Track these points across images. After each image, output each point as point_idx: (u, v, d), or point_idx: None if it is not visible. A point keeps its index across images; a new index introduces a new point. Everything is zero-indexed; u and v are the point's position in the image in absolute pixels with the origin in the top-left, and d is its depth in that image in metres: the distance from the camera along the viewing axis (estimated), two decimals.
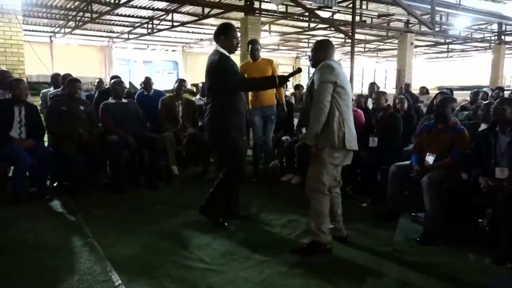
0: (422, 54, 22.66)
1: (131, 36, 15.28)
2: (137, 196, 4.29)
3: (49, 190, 4.25)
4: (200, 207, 3.44)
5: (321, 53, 2.93)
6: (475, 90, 6.90)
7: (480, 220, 3.42)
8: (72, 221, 3.58)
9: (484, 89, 7.93)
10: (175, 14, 12.20)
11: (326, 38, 3.85)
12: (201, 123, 5.24)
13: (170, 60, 21.24)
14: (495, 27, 15.37)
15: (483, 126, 4.37)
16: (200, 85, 6.12)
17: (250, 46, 4.60)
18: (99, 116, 4.58)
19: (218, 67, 3.14)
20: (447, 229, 3.28)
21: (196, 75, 18.74)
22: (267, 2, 10.35)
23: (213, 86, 3.22)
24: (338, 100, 2.80)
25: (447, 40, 17.07)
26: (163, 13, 12.10)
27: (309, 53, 3.05)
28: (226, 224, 3.40)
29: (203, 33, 15.72)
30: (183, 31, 15.11)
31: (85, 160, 4.20)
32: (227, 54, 3.24)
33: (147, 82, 5.71)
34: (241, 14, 10.34)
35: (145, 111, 4.93)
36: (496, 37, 16.03)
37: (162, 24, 13.33)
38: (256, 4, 10.28)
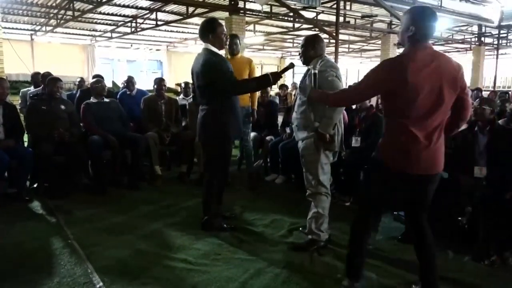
0: None
1: (114, 34, 15.07)
2: (119, 197, 4.23)
3: (28, 192, 4.16)
4: (201, 224, 3.34)
5: (311, 49, 2.94)
6: None
7: (459, 218, 3.49)
8: (52, 222, 3.52)
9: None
10: (159, 13, 12.09)
11: (316, 33, 3.78)
12: (185, 122, 5.20)
13: (155, 60, 21.05)
14: (475, 28, 15.71)
15: (462, 126, 4.47)
16: (183, 85, 6.07)
17: (228, 41, 4.37)
18: (81, 116, 4.50)
19: (212, 68, 3.03)
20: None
21: (180, 74, 18.61)
22: (251, 1, 10.35)
23: (207, 87, 3.10)
24: None
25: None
26: (147, 11, 11.98)
27: (299, 50, 3.05)
28: (232, 226, 3.39)
29: (188, 32, 15.63)
30: (167, 30, 15.00)
31: (65, 160, 4.13)
32: (218, 52, 3.19)
33: (130, 81, 5.65)
34: (225, 14, 10.31)
35: (127, 111, 4.88)
36: (476, 39, 16.37)
37: (146, 23, 13.19)
38: (241, 4, 10.26)
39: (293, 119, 3.12)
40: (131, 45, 18.39)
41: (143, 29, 13.59)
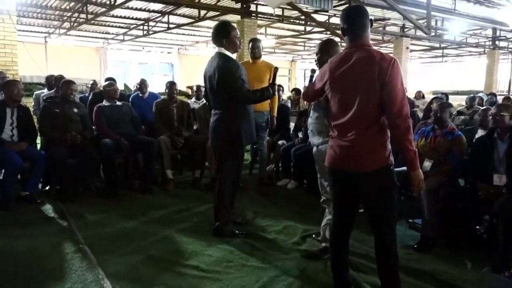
0: (417, 59, 22.77)
1: (126, 37, 15.20)
2: (131, 201, 4.22)
3: (40, 194, 4.17)
4: (213, 230, 3.30)
5: (326, 54, 2.89)
6: (471, 95, 6.90)
7: (477, 227, 3.41)
8: (64, 226, 3.51)
9: (479, 94, 7.95)
10: (171, 16, 12.15)
11: (330, 38, 3.69)
12: (196, 126, 5.18)
13: (166, 62, 21.16)
14: (489, 32, 15.49)
15: (480, 132, 4.37)
16: (195, 88, 6.06)
17: (251, 44, 4.40)
18: (93, 119, 4.50)
19: (225, 73, 3.00)
20: (445, 236, 3.25)
21: (191, 77, 18.67)
22: (263, 5, 10.33)
23: (221, 92, 3.08)
24: None
25: (442, 45, 17.16)
26: (159, 15, 12.05)
27: (315, 56, 3.00)
28: (244, 233, 3.33)
29: (199, 35, 15.69)
30: (179, 33, 15.05)
31: (78, 163, 4.13)
32: (232, 56, 3.15)
33: (142, 84, 5.62)
34: (237, 17, 10.31)
35: (139, 114, 4.88)
36: (490, 42, 16.14)
37: (158, 26, 13.28)
38: (253, 7, 10.26)
39: (308, 124, 3.07)
40: (143, 48, 18.53)
41: (155, 32, 13.68)
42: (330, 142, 2.27)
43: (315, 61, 3.02)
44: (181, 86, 15.22)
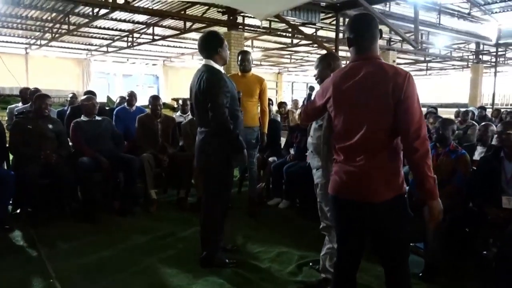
0: None
1: (110, 49, 14.86)
2: (110, 225, 3.87)
3: (10, 219, 3.79)
4: (200, 260, 3.00)
5: (327, 68, 2.66)
6: (464, 109, 6.78)
7: (484, 252, 3.18)
8: (33, 256, 3.15)
9: (470, 108, 7.87)
10: (156, 28, 11.91)
11: (330, 51, 3.46)
12: (182, 143, 4.87)
13: (151, 74, 20.84)
14: (473, 46, 15.69)
15: (479, 149, 4.20)
16: (181, 102, 5.77)
17: (240, 57, 4.14)
18: (70, 135, 4.17)
19: (210, 87, 2.75)
20: (450, 262, 3.02)
21: (177, 89, 18.37)
22: (250, 17, 10.17)
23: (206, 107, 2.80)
24: None
25: (427, 58, 17.30)
26: (144, 26, 11.80)
27: (315, 70, 2.76)
28: (234, 262, 3.04)
29: (185, 47, 15.46)
30: (164, 45, 14.80)
31: (52, 184, 3.79)
32: (221, 69, 2.89)
33: (132, 96, 5.28)
34: (223, 29, 10.12)
35: (123, 128, 4.55)
36: (474, 56, 16.33)
37: (143, 38, 13.01)
38: (239, 19, 10.09)
39: (308, 144, 2.82)
40: (127, 60, 18.21)
41: (139, 44, 13.40)
42: (335, 167, 1.99)
43: (314, 76, 2.79)
44: (166, 98, 14.93)
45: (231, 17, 9.71)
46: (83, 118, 4.22)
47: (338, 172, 1.95)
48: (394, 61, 13.19)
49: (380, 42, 9.10)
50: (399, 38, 12.67)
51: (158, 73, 20.20)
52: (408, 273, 1.93)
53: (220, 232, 3.01)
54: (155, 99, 4.68)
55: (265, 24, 10.98)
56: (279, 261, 3.14)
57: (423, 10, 10.27)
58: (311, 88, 2.79)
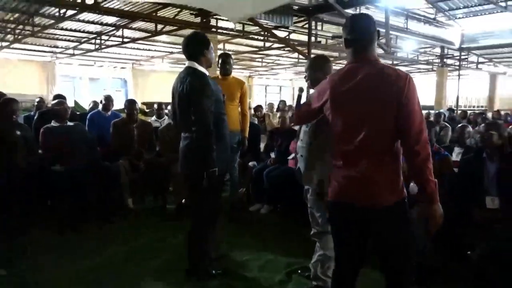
0: None
1: (76, 51, 14.37)
2: (87, 236, 3.66)
3: None
4: (186, 271, 2.86)
5: (319, 71, 2.59)
6: (437, 111, 6.95)
7: (469, 252, 3.21)
8: (8, 270, 2.90)
9: (441, 110, 8.09)
10: (125, 30, 11.61)
11: (322, 54, 3.40)
12: (158, 148, 4.70)
13: (118, 78, 20.34)
14: (438, 50, 16.23)
15: (456, 150, 4.27)
16: (155, 106, 5.59)
17: (221, 60, 4.01)
18: (40, 142, 3.93)
19: (195, 91, 2.62)
20: (439, 264, 3.02)
21: (146, 93, 18.01)
22: (223, 20, 10.08)
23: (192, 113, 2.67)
24: None
25: (395, 62, 17.74)
26: (113, 28, 11.47)
27: (306, 72, 2.69)
28: (220, 271, 2.93)
29: (155, 50, 15.16)
30: (134, 48, 14.46)
31: (20, 194, 3.54)
32: (206, 72, 2.75)
33: (109, 100, 5.05)
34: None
35: (98, 134, 4.34)
36: (439, 60, 16.90)
37: (111, 40, 12.65)
38: (213, 22, 9.98)
39: (297, 148, 2.74)
40: (95, 63, 17.68)
41: (108, 46, 13.01)
42: (334, 172, 1.93)
43: (305, 77, 2.72)
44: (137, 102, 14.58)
45: (204, 20, 9.58)
46: (53, 123, 3.99)
47: (338, 177, 1.89)
48: None
49: None
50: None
51: (127, 76, 19.75)
52: (410, 281, 1.89)
53: (207, 243, 2.88)
54: (131, 103, 4.50)
55: (239, 27, 10.92)
56: (267, 269, 3.05)
57: (392, 15, 10.48)
58: (301, 89, 2.73)
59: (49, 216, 3.93)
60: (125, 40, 12.11)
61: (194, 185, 2.80)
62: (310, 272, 2.84)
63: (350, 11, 9.82)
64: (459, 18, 12.80)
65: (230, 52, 15.19)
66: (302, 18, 10.31)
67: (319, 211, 2.61)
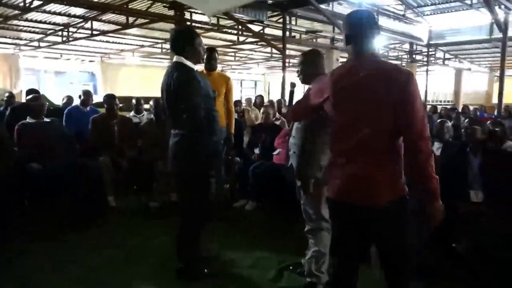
0: None
1: (42, 44, 13.75)
2: (68, 239, 3.49)
3: None
4: (177, 272, 2.79)
5: (312, 66, 2.58)
6: None
7: (454, 245, 3.31)
8: None
9: None
10: (94, 22, 11.21)
11: (314, 48, 3.36)
12: (140, 144, 4.57)
13: (86, 71, 19.70)
14: (407, 46, 16.66)
15: (436, 145, 4.38)
16: (134, 101, 5.42)
17: (206, 54, 3.82)
18: (15, 140, 3.73)
19: (182, 89, 2.55)
20: (427, 258, 3.09)
21: (116, 87, 17.52)
22: (198, 13, 9.92)
23: (182, 110, 2.60)
24: None
25: None
26: (81, 20, 11.06)
27: (298, 67, 2.67)
28: (211, 272, 2.87)
29: (125, 43, 14.75)
30: (103, 41, 14.01)
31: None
32: (194, 68, 2.69)
33: (87, 95, 4.85)
34: (170, 25, 9.77)
35: (76, 130, 4.17)
36: (408, 56, 17.35)
37: (80, 32, 12.19)
38: (187, 15, 9.79)
39: (290, 145, 2.72)
40: (61, 56, 17.00)
41: (76, 39, 12.54)
42: (333, 170, 1.92)
43: (297, 71, 2.70)
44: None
45: (178, 13, 9.38)
46: (29, 120, 3.80)
47: (338, 176, 1.88)
48: (337, 59, 13.58)
49: (324, 41, 9.35)
50: (342, 37, 13.06)
51: (95, 70, 19.15)
52: (409, 279, 1.91)
53: (198, 242, 2.83)
54: (110, 98, 4.34)
55: (213, 20, 10.78)
56: (258, 267, 3.03)
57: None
58: (293, 85, 2.71)
59: (26, 218, 3.73)
60: (94, 32, 11.71)
61: (185, 183, 2.74)
62: (302, 268, 2.85)
63: (321, 6, 9.90)
64: (427, 14, 13.14)
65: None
66: (276, 13, 10.31)
67: (312, 208, 2.61)
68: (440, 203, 1.80)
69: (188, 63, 2.67)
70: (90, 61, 18.41)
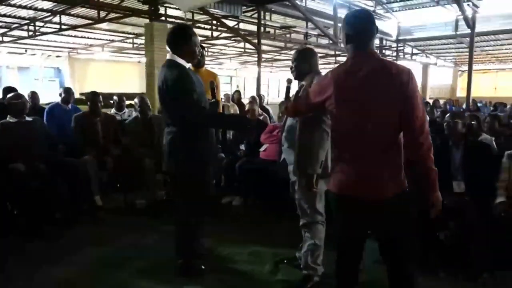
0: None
1: (6, 38, 13.20)
2: (58, 239, 3.42)
3: None
4: (178, 269, 2.79)
5: (305, 63, 2.63)
6: None
7: (437, 234, 3.46)
8: None
9: None
10: (63, 16, 10.86)
11: (308, 46, 3.37)
12: (125, 142, 4.49)
13: (51, 67, 19.05)
14: (377, 42, 17.04)
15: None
16: (116, 98, 5.31)
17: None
18: None
19: (176, 87, 2.54)
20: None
21: (85, 83, 17.07)
22: (173, 8, 9.80)
23: (175, 107, 2.62)
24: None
25: (337, 52, 18.35)
26: (49, 14, 10.69)
27: (292, 64, 2.71)
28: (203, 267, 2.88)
29: (94, 38, 14.37)
30: (71, 35, 13.59)
31: None
32: (187, 66, 2.70)
33: (68, 92, 4.71)
34: (145, 20, 9.59)
35: (58, 129, 4.06)
36: (378, 51, 17.75)
37: (47, 27, 11.78)
38: (162, 10, 9.64)
39: (283, 140, 2.77)
40: (26, 51, 16.36)
41: (43, 34, 12.11)
42: (338, 166, 1.98)
43: (291, 68, 2.75)
44: (75, 93, 13.72)
45: (153, 8, 9.21)
46: (9, 119, 3.66)
47: (343, 171, 1.94)
48: None
49: (297, 36, 9.42)
50: (315, 33, 13.25)
51: (62, 65, 18.56)
52: (416, 275, 1.99)
53: (197, 239, 2.85)
54: (95, 95, 4.23)
55: (188, 15, 10.67)
56: (253, 261, 3.07)
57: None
58: (289, 81, 2.75)
59: (11, 220, 3.61)
60: (63, 27, 11.34)
61: (182, 181, 2.74)
62: (297, 261, 2.92)
63: (297, 2, 9.99)
64: (396, 11, 13.51)
65: None
66: (251, 8, 10.32)
67: (307, 202, 2.66)
68: (439, 194, 1.89)
69: (181, 61, 2.66)
70: (57, 56, 17.83)
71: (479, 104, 11.78)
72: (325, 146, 2.46)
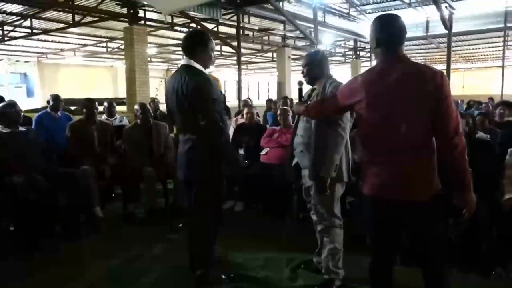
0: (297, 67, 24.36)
1: None
2: (60, 253, 3.26)
3: None
4: (197, 279, 2.70)
5: (317, 67, 2.62)
6: None
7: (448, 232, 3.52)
8: None
9: None
10: (34, 20, 10.48)
11: (318, 50, 3.33)
12: (124, 149, 4.33)
13: (17, 72, 18.33)
14: (351, 43, 17.40)
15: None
16: (106, 104, 5.12)
17: None
18: None
19: (200, 93, 2.47)
20: None
21: (56, 89, 16.50)
22: (152, 11, 9.63)
23: (192, 114, 2.53)
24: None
25: None
26: (19, 18, 10.28)
27: (303, 68, 2.69)
28: (231, 275, 2.84)
29: (65, 43, 13.94)
30: (41, 40, 13.12)
31: None
32: (204, 71, 2.63)
33: (57, 100, 4.49)
34: (124, 24, 9.38)
35: (49, 138, 3.88)
36: (352, 52, 18.11)
37: (17, 31, 11.33)
38: (141, 13, 9.45)
39: (296, 144, 2.74)
40: None
41: (12, 38, 11.64)
42: (371, 168, 1.98)
43: (302, 73, 2.73)
44: (43, 99, 13.24)
45: (132, 11, 9.02)
46: (2, 129, 3.46)
47: (376, 173, 1.94)
48: (289, 56, 13.86)
49: (275, 39, 9.45)
50: (292, 35, 13.35)
51: (29, 71, 17.89)
52: (450, 276, 2.01)
53: (214, 249, 2.78)
54: (90, 101, 4.06)
55: (168, 18, 10.52)
56: (269, 267, 3.02)
57: (310, 9, 10.94)
58: (300, 83, 2.74)
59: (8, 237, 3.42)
60: (35, 31, 10.94)
61: (201, 191, 2.66)
62: (314, 266, 2.91)
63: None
64: (369, 13, 13.80)
65: (152, 45, 14.58)
66: (230, 11, 10.29)
67: (324, 207, 2.64)
68: (473, 194, 1.92)
69: (199, 66, 2.60)
70: (25, 61, 17.17)
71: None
72: (340, 150, 2.46)
